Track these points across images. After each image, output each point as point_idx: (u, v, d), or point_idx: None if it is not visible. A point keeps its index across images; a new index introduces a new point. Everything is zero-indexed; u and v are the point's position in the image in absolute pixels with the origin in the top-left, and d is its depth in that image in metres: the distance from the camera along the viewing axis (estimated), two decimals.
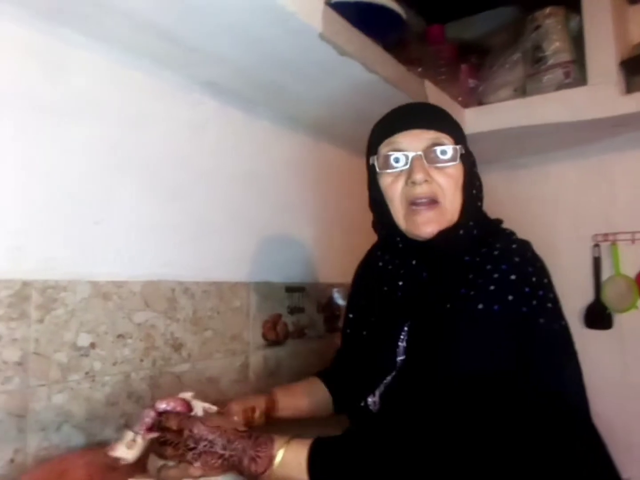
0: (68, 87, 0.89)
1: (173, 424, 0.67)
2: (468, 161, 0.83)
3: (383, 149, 0.82)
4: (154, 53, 0.98)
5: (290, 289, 1.34)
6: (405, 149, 0.80)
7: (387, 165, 0.81)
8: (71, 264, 0.88)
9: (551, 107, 1.41)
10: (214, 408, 0.76)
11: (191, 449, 0.65)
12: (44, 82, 0.85)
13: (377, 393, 0.82)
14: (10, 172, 0.81)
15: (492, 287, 0.71)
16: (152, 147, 1.02)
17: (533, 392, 0.67)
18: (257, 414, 0.90)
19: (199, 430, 0.66)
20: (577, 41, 1.45)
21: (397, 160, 0.80)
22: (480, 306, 0.71)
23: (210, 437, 0.66)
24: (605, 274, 1.60)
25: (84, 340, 0.87)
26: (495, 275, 0.72)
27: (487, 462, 0.64)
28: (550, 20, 1.48)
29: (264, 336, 1.25)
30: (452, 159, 0.79)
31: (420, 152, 0.78)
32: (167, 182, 1.05)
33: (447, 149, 0.79)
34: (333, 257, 1.51)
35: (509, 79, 1.56)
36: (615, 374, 1.57)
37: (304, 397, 0.98)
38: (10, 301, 0.78)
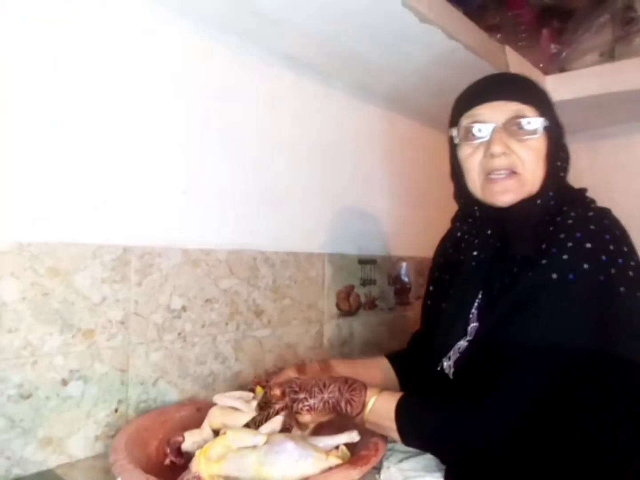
0: (155, 61, 0.92)
1: (277, 391, 0.74)
2: (554, 132, 0.80)
3: (464, 120, 0.82)
4: (237, 26, 1.00)
5: (363, 261, 1.36)
6: (486, 120, 0.79)
7: (467, 136, 0.81)
8: (164, 231, 0.93)
9: None
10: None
11: (294, 401, 0.72)
12: (134, 55, 0.89)
13: (452, 358, 0.82)
14: (112, 145, 0.86)
15: (565, 256, 0.69)
16: (234, 119, 1.06)
17: (613, 365, 0.65)
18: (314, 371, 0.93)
19: (297, 382, 0.73)
20: None
21: (477, 131, 0.80)
22: (554, 275, 0.69)
23: (309, 386, 0.73)
24: None
25: (176, 303, 0.93)
26: (570, 244, 0.70)
27: (552, 433, 0.63)
28: None
29: (338, 306, 1.28)
30: (534, 132, 0.77)
31: (500, 124, 0.78)
32: (248, 154, 1.08)
33: (529, 122, 0.77)
34: (405, 230, 1.51)
35: (595, 43, 1.47)
36: None
37: (362, 372, 0.96)
38: (113, 265, 0.84)
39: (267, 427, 0.74)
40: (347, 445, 0.72)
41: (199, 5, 0.92)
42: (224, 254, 1.01)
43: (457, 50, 1.10)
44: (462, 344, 0.80)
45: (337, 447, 0.72)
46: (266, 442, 0.69)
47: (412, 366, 0.96)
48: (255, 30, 1.01)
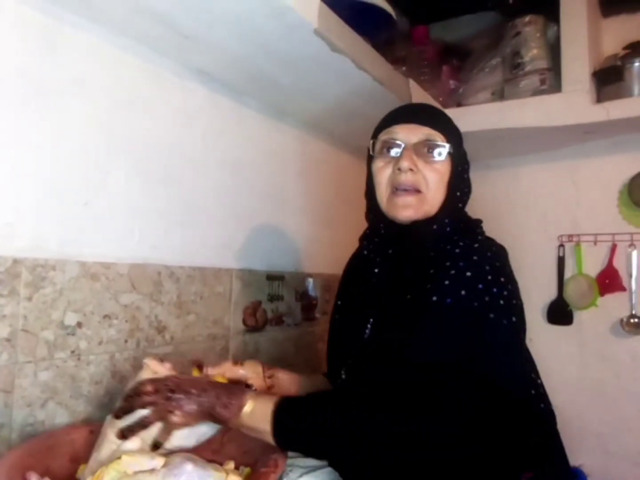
0: (60, 67, 0.88)
1: (149, 387, 0.71)
2: (458, 162, 0.89)
3: (382, 136, 0.90)
4: (148, 37, 0.98)
5: (271, 277, 1.37)
6: (400, 139, 0.87)
7: (381, 151, 0.89)
8: (60, 243, 0.88)
9: (527, 111, 1.48)
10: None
11: (168, 399, 0.69)
12: (36, 61, 0.85)
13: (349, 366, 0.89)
14: (1, 150, 0.81)
15: (447, 282, 0.77)
16: (142, 131, 1.03)
17: (474, 380, 0.71)
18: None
19: (175, 381, 0.72)
20: (554, 50, 1.52)
21: (391, 147, 0.87)
22: (434, 298, 0.77)
23: (186, 387, 0.71)
24: (568, 273, 1.69)
25: (71, 319, 0.88)
26: (452, 272, 0.78)
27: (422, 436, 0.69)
28: (530, 28, 1.54)
29: (244, 322, 1.28)
30: (440, 155, 0.86)
31: (411, 144, 0.86)
32: (156, 166, 1.06)
33: (437, 145, 0.86)
34: (314, 248, 1.55)
35: (488, 83, 1.62)
36: (573, 367, 1.67)
37: (305, 381, 1.02)
38: (0, 278, 0.78)
39: (127, 421, 0.70)
40: (247, 463, 0.73)
41: (107, 11, 0.89)
42: (125, 267, 0.98)
43: (366, 80, 1.16)
44: (357, 354, 0.87)
45: (237, 467, 0.72)
46: (164, 465, 0.67)
47: None
48: (168, 42, 1.00)
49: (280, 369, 1.00)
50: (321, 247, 1.57)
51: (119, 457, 0.67)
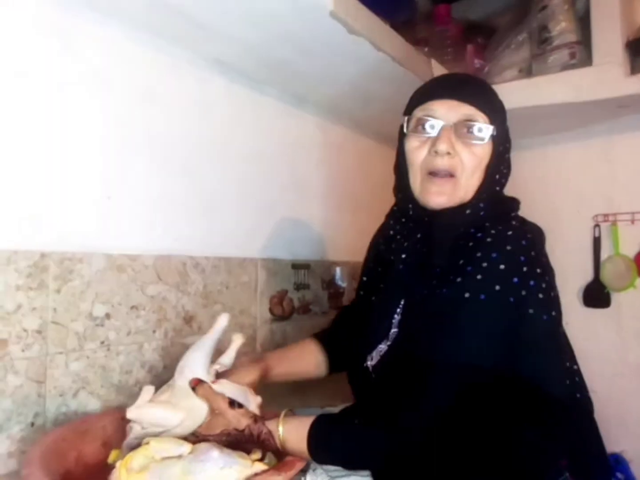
0: (79, 62, 0.90)
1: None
2: (500, 144, 0.82)
3: (417, 112, 0.82)
4: (164, 29, 0.99)
5: (296, 266, 1.37)
6: (438, 116, 0.79)
7: (416, 129, 0.82)
8: (86, 236, 0.90)
9: (556, 87, 1.42)
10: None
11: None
12: (55, 56, 0.86)
13: (374, 359, 0.84)
14: (26, 146, 0.83)
15: (479, 276, 0.71)
16: (161, 123, 1.04)
17: (514, 383, 0.69)
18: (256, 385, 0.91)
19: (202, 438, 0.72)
20: (583, 22, 1.45)
21: (427, 125, 0.80)
22: (467, 295, 0.71)
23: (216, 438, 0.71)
24: (605, 254, 1.63)
25: (99, 310, 0.90)
26: (485, 264, 0.71)
27: (458, 444, 0.68)
28: (557, 1, 1.47)
29: (271, 311, 1.28)
30: (481, 138, 0.78)
31: (451, 124, 0.78)
32: (175, 158, 1.07)
33: (478, 127, 0.78)
34: (339, 235, 1.54)
35: (515, 60, 1.56)
36: (612, 351, 1.61)
37: (297, 363, 0.99)
38: (29, 271, 0.80)
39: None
40: (273, 452, 0.73)
41: (122, 5, 0.90)
42: (151, 259, 0.99)
43: (385, 62, 1.13)
44: (383, 347, 0.83)
45: (263, 455, 0.73)
46: (191, 452, 0.68)
47: (339, 347, 0.99)
48: (184, 34, 1.00)
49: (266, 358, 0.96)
50: (346, 234, 1.56)
51: (147, 443, 0.68)
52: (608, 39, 1.37)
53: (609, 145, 1.63)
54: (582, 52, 1.44)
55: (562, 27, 1.47)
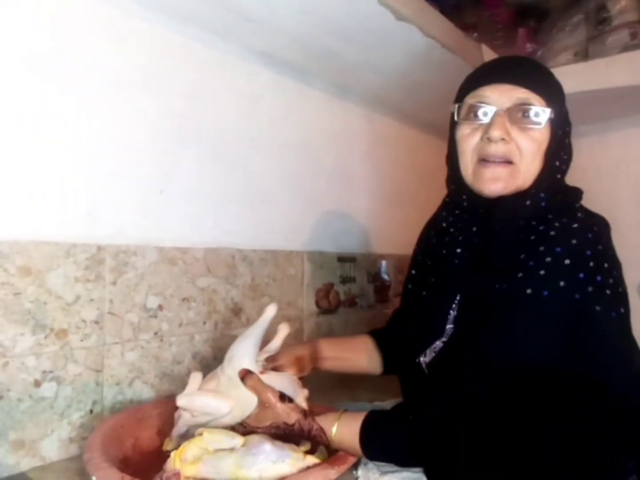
0: (130, 59, 0.91)
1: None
2: (559, 128, 0.76)
3: (468, 99, 0.78)
4: (212, 23, 0.99)
5: (342, 259, 1.36)
6: (491, 102, 0.75)
7: (467, 116, 0.78)
8: (139, 230, 0.92)
9: (616, 70, 1.34)
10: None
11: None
12: (107, 55, 0.88)
13: (428, 355, 0.82)
14: (80, 142, 0.85)
15: (542, 272, 0.67)
16: (210, 117, 1.05)
17: (580, 381, 0.65)
18: (305, 362, 0.90)
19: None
20: None
21: (479, 112, 0.76)
22: (528, 291, 0.67)
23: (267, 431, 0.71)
24: None
25: (152, 302, 0.92)
26: (548, 259, 0.67)
27: (520, 445, 0.64)
28: None
29: (317, 304, 1.28)
30: (537, 123, 0.74)
31: (504, 109, 0.74)
32: (225, 152, 1.08)
33: (535, 111, 0.73)
34: (384, 228, 1.52)
35: (570, 42, 1.49)
36: None
37: (348, 352, 0.97)
38: (87, 264, 0.83)
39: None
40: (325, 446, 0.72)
41: (172, 1, 0.91)
42: (201, 252, 1.00)
43: (434, 48, 1.10)
44: (439, 344, 0.80)
45: (314, 448, 0.72)
46: (243, 444, 0.68)
47: (393, 346, 0.96)
48: (232, 27, 1.01)
49: (317, 341, 0.95)
50: (392, 227, 1.53)
51: (201, 434, 0.69)
52: None
53: None
54: None
55: (621, 6, 1.39)
